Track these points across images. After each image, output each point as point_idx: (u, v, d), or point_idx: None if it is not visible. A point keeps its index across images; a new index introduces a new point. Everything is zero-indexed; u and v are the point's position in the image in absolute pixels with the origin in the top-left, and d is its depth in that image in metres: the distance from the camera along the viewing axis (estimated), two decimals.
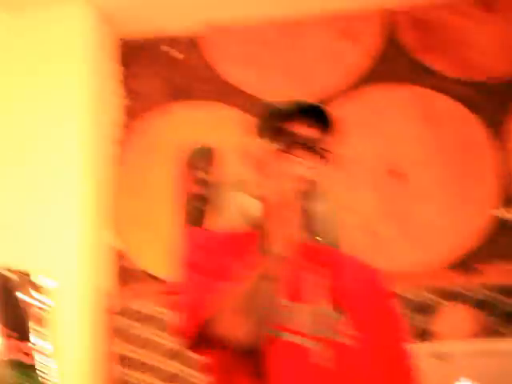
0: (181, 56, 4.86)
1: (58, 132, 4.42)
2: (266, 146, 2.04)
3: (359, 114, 4.63)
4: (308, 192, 1.91)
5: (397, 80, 4.62)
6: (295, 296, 1.97)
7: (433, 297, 4.24)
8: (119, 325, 4.41)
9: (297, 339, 1.93)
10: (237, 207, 3.49)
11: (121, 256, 4.58)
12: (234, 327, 1.86)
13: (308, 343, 1.93)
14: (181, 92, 4.78)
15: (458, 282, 4.25)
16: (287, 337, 1.93)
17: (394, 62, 4.64)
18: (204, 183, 4.21)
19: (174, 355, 4.37)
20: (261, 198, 2.09)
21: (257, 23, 4.73)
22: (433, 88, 4.54)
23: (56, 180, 4.35)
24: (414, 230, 4.41)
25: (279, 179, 1.97)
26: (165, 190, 4.45)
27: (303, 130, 2.02)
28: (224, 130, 4.57)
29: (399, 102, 4.56)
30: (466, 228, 4.32)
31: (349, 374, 1.96)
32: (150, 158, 4.70)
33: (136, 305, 4.42)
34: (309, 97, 4.65)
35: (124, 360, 4.37)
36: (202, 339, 1.91)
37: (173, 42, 4.87)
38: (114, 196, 4.67)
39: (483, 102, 4.47)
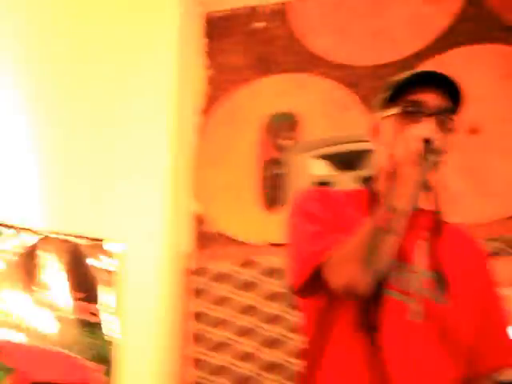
0: (266, 27, 4.94)
1: (145, 101, 4.52)
2: (390, 116, 2.09)
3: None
4: (431, 156, 1.95)
5: (479, 39, 4.54)
6: (404, 257, 2.01)
7: (503, 246, 4.20)
8: (197, 284, 4.50)
9: (403, 298, 1.97)
10: (302, 168, 3.74)
11: (200, 220, 4.68)
12: (353, 275, 1.89)
13: (411, 302, 1.97)
14: (265, 63, 4.84)
15: None
16: (394, 295, 1.96)
17: (476, 22, 4.58)
18: (282, 149, 4.27)
19: (247, 310, 4.43)
20: (382, 161, 2.12)
21: None
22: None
23: (140, 147, 4.48)
24: (487, 184, 4.38)
25: (407, 140, 1.98)
26: (246, 158, 4.70)
27: (431, 99, 2.04)
28: (308, 99, 4.60)
29: (481, 61, 4.49)
30: None
31: (443, 334, 1.99)
32: (233, 128, 4.77)
33: (214, 265, 4.52)
34: (394, 61, 4.55)
35: (199, 316, 4.45)
36: (311, 285, 1.98)
37: (257, 13, 4.96)
38: (197, 163, 4.79)
39: None
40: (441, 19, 4.59)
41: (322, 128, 4.60)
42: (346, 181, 3.54)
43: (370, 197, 2.11)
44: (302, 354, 2.14)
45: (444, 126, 2.03)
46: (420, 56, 4.57)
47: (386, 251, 1.89)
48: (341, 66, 4.75)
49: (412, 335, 1.97)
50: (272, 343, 4.36)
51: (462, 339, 2.06)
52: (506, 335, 2.17)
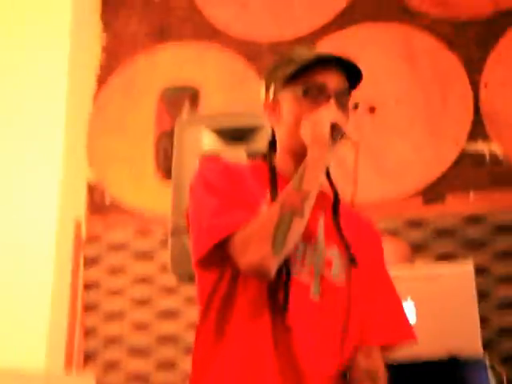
0: None
1: (40, 69, 4.59)
2: (290, 95, 2.08)
3: (342, 51, 4.82)
4: (337, 140, 1.98)
5: (379, 18, 4.69)
6: (306, 236, 2.03)
7: (400, 224, 4.36)
8: (90, 253, 4.57)
9: (303, 277, 1.99)
10: (193, 141, 3.56)
11: (95, 188, 4.74)
12: (262, 256, 1.89)
13: (312, 281, 2.00)
14: (164, 33, 4.92)
15: (425, 210, 4.41)
16: (296, 274, 1.98)
17: (378, 1, 4.74)
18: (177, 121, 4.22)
19: (143, 280, 4.49)
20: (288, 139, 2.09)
21: None
22: (414, 26, 4.65)
23: (37, 115, 4.53)
24: (384, 163, 4.52)
25: (314, 124, 2.00)
26: (143, 128, 4.75)
27: (332, 80, 2.05)
28: (205, 71, 4.68)
29: (381, 40, 4.67)
30: (436, 161, 4.47)
31: (340, 311, 2.02)
32: (130, 97, 4.83)
33: (108, 234, 4.58)
34: (293, 38, 4.64)
35: (92, 286, 4.52)
36: (213, 258, 1.98)
37: None
38: (92, 132, 4.84)
39: (462, 41, 4.61)
40: None
41: (219, 101, 4.70)
42: (238, 155, 3.45)
43: (270, 171, 2.11)
44: (196, 330, 2.10)
45: (343, 107, 2.07)
46: (319, 33, 4.68)
47: (295, 233, 1.92)
48: (240, 40, 4.83)
49: (313, 313, 1.99)
50: (168, 315, 4.43)
51: (357, 316, 2.10)
52: (403, 313, 2.21)
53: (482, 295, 4.01)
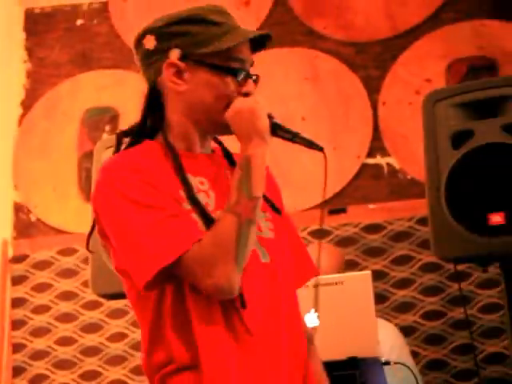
0: (87, 24, 5.06)
1: None
2: (202, 66, 1.90)
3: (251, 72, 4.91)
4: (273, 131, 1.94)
5: (286, 44, 4.73)
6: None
7: (306, 234, 4.38)
8: (15, 272, 4.60)
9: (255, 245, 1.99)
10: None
11: (21, 209, 4.78)
12: (227, 275, 1.84)
13: (258, 247, 1.95)
14: (86, 59, 4.96)
15: (329, 221, 4.46)
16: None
17: (283, 26, 4.81)
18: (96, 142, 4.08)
19: (67, 297, 4.52)
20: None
21: None
22: (319, 49, 4.73)
23: None
24: (290, 176, 4.52)
25: (251, 113, 1.89)
26: (66, 150, 4.78)
27: (248, 56, 1.97)
28: (125, 94, 4.69)
29: (288, 63, 4.75)
30: (338, 174, 4.52)
31: (281, 267, 2.00)
32: (54, 121, 4.86)
33: (33, 253, 4.60)
34: None
35: (18, 303, 4.53)
36: (158, 281, 1.86)
37: (79, 11, 5.06)
38: (17, 154, 4.88)
39: (362, 61, 4.72)
40: (250, 22, 4.75)
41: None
42: None
43: (165, 147, 1.93)
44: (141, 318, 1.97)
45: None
46: None
47: (252, 242, 1.88)
48: None
49: (266, 276, 1.97)
50: (91, 328, 4.47)
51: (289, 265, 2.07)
52: (307, 252, 2.20)
53: (382, 298, 4.27)
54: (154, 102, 1.92)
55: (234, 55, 1.89)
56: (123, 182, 1.85)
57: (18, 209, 4.81)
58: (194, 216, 1.85)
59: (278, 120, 1.91)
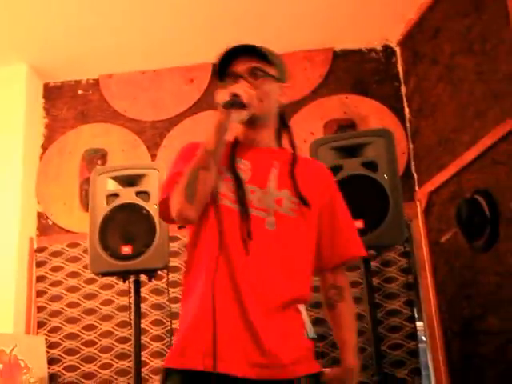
0: (85, 93, 5.76)
1: (6, 141, 5.38)
2: (222, 87, 2.24)
3: (194, 128, 5.44)
4: (236, 107, 2.13)
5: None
6: (261, 183, 2.22)
7: None
8: (39, 258, 5.22)
9: (261, 214, 2.20)
10: (99, 184, 4.15)
11: (42, 216, 5.44)
12: (180, 206, 2.12)
13: (267, 216, 2.19)
14: (85, 116, 5.69)
15: None
16: (255, 212, 2.19)
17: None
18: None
19: (72, 275, 5.17)
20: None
21: (132, 72, 5.66)
22: None
23: (4, 169, 5.29)
24: None
25: (216, 95, 2.17)
26: (72, 177, 5.43)
27: (241, 66, 2.26)
28: (111, 140, 5.37)
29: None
30: None
31: (292, 239, 2.22)
32: (64, 157, 5.55)
33: (51, 246, 5.27)
34: (165, 119, 5.19)
35: (40, 278, 5.16)
36: (167, 216, 2.21)
37: (80, 84, 5.77)
38: (39, 179, 5.49)
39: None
40: (193, 94, 5.56)
41: (120, 159, 5.25)
42: (132, 196, 4.04)
43: (232, 143, 2.31)
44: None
45: (258, 77, 2.25)
46: (182, 115, 5.50)
47: (202, 182, 2.08)
48: (132, 120, 5.55)
49: (270, 241, 2.17)
50: (90, 296, 5.07)
51: (309, 242, 2.28)
52: (354, 232, 2.41)
53: None
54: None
55: (228, 72, 2.29)
56: (182, 150, 2.39)
57: (40, 216, 5.40)
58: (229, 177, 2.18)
59: (239, 98, 2.14)
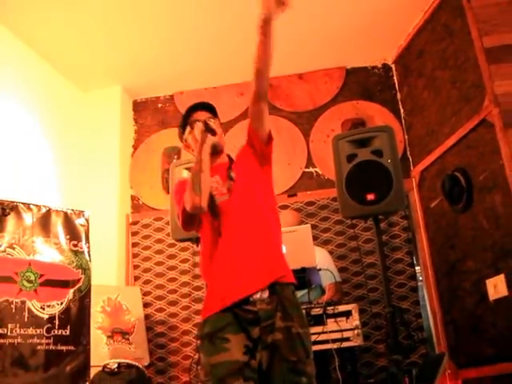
0: (164, 106, 5.84)
1: (107, 143, 5.51)
2: (189, 133, 2.47)
3: (245, 129, 5.07)
4: (208, 129, 2.36)
5: None
6: (222, 179, 2.40)
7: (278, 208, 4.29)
8: (133, 229, 5.39)
9: (223, 198, 2.38)
10: (177, 174, 4.11)
11: (134, 198, 5.61)
12: (191, 200, 2.26)
13: (226, 196, 2.37)
14: (164, 124, 5.77)
15: (288, 200, 5.09)
16: (219, 198, 2.38)
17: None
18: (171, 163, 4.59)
19: (158, 241, 5.24)
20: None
21: (198, 89, 5.68)
22: (278, 116, 5.47)
23: (106, 165, 5.45)
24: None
25: (196, 129, 2.38)
26: (155, 168, 5.51)
27: (201, 116, 2.48)
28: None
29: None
30: (291, 177, 5.27)
31: (244, 206, 2.37)
32: (149, 153, 5.63)
33: (142, 220, 5.41)
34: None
35: (135, 244, 5.31)
36: (188, 220, 2.37)
37: (160, 99, 5.88)
38: (132, 170, 5.65)
39: (301, 121, 5.52)
40: (244, 104, 5.40)
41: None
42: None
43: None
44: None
45: (211, 123, 2.42)
46: (235, 121, 5.46)
47: (202, 179, 2.26)
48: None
49: (235, 217, 2.35)
50: (172, 256, 5.09)
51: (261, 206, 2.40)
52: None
53: (315, 238, 4.66)
54: None
55: (192, 120, 2.48)
56: (176, 186, 2.52)
57: (133, 198, 5.57)
58: None
59: (209, 124, 2.37)
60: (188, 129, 2.51)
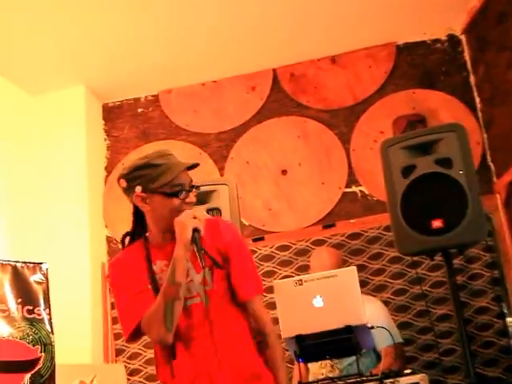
0: (145, 111, 5.98)
1: (70, 164, 5.58)
2: (158, 194, 2.48)
3: (260, 137, 5.62)
4: (198, 240, 2.41)
5: (282, 114, 5.69)
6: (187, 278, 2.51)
7: (309, 244, 5.19)
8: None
9: (197, 300, 2.54)
10: None
11: (111, 240, 5.75)
12: (159, 334, 2.43)
13: (201, 300, 2.53)
14: (145, 135, 5.89)
15: (323, 233, 5.30)
16: (194, 301, 2.54)
17: (280, 102, 5.73)
18: None
19: None
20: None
21: (192, 85, 5.88)
22: (305, 116, 5.67)
23: (68, 196, 5.49)
24: (295, 205, 5.40)
25: (181, 227, 2.43)
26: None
27: (186, 179, 2.54)
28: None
29: (285, 128, 5.68)
30: (327, 200, 5.43)
31: (218, 310, 2.55)
32: None
33: None
34: (229, 129, 5.64)
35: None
36: (136, 335, 2.53)
37: (139, 102, 6.01)
38: (105, 203, 5.73)
39: (335, 122, 5.64)
40: (256, 102, 5.75)
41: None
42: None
43: (145, 245, 2.61)
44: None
45: (193, 193, 2.53)
46: (247, 124, 5.70)
47: (177, 312, 2.39)
48: (195, 134, 5.75)
49: (215, 313, 2.53)
50: None
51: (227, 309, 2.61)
52: (253, 275, 2.69)
53: (365, 283, 4.87)
54: (139, 216, 2.59)
55: (175, 182, 2.46)
56: (111, 278, 2.66)
57: (109, 240, 5.69)
58: (152, 292, 2.46)
59: (199, 233, 2.38)
60: (164, 190, 2.54)
